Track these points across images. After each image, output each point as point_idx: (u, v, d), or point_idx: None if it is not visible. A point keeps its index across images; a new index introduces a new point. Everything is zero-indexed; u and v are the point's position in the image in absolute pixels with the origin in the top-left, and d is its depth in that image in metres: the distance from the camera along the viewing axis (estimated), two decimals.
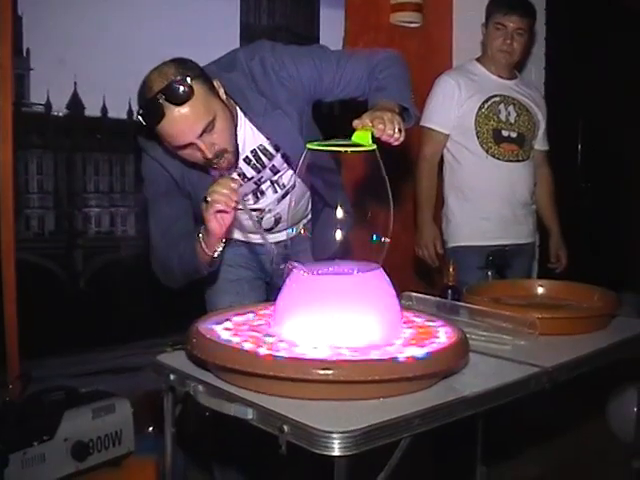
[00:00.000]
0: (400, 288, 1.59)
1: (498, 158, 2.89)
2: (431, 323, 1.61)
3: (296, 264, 1.53)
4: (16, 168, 2.61)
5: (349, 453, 1.16)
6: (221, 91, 1.80)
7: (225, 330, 1.52)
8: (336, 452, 1.16)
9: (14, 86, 2.58)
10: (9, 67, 2.55)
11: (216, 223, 1.71)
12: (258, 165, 1.98)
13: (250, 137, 1.93)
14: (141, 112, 1.71)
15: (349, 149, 1.53)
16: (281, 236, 2.20)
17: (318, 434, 1.16)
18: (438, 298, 1.95)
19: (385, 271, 1.56)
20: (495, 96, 2.91)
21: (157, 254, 1.95)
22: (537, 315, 1.73)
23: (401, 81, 1.91)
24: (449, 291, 2.07)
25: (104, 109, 2.78)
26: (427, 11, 3.67)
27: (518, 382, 1.47)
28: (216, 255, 1.82)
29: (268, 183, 2.05)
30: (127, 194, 2.87)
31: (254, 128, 1.92)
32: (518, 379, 1.47)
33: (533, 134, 2.98)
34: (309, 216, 2.20)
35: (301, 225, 2.22)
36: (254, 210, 2.07)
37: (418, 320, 1.64)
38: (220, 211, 1.68)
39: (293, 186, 2.07)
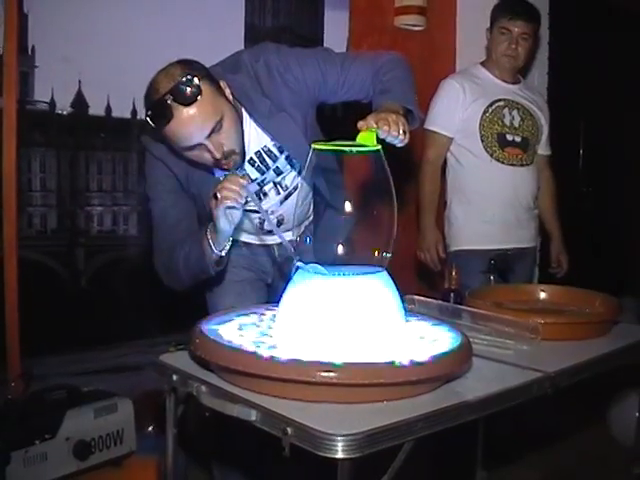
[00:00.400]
0: (402, 291, 1.59)
1: (502, 162, 2.89)
2: (434, 327, 1.61)
3: (301, 266, 1.53)
4: (19, 166, 2.61)
5: (353, 456, 1.16)
6: (227, 91, 1.80)
7: (228, 331, 1.52)
8: (340, 455, 1.16)
9: (19, 84, 2.59)
10: (14, 65, 2.56)
11: (225, 220, 1.70)
12: (262, 167, 1.98)
13: (254, 138, 1.94)
14: (149, 114, 1.71)
15: (354, 149, 1.53)
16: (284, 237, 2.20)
17: (322, 436, 1.17)
18: (441, 302, 1.95)
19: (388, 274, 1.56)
20: (499, 100, 2.92)
21: (161, 255, 1.95)
22: (540, 320, 1.73)
23: (405, 83, 1.92)
24: (451, 295, 2.07)
25: (108, 108, 2.78)
26: (431, 14, 3.67)
27: (521, 387, 1.47)
28: (224, 253, 1.82)
29: (271, 184, 2.05)
30: (130, 193, 2.87)
31: (258, 129, 1.93)
32: (521, 384, 1.47)
33: (537, 139, 2.98)
34: (311, 218, 2.20)
35: (303, 227, 2.22)
36: (257, 211, 2.07)
37: (421, 323, 1.64)
38: (229, 207, 1.68)
39: (296, 188, 2.07)
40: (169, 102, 1.65)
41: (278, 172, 2.02)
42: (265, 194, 2.06)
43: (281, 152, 1.98)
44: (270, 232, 2.15)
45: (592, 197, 4.73)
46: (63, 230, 2.73)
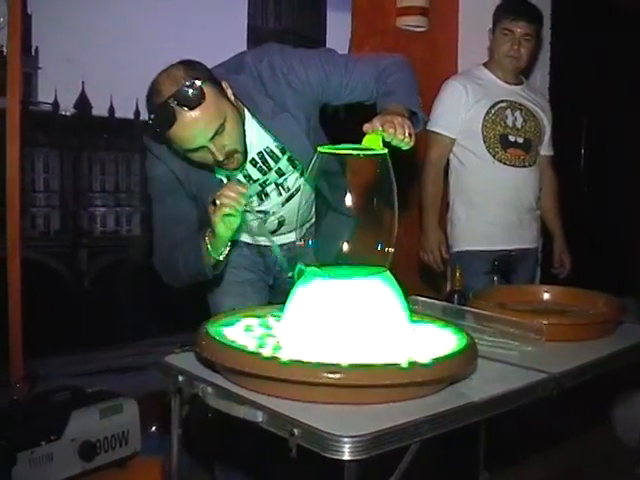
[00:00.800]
0: (405, 292, 1.60)
1: (505, 163, 2.89)
2: (439, 328, 1.62)
3: (305, 268, 1.53)
4: (22, 166, 2.61)
5: (360, 457, 1.16)
6: (229, 92, 1.80)
7: (234, 332, 1.53)
8: (347, 456, 1.16)
9: (22, 84, 2.59)
10: (17, 65, 2.56)
11: (223, 226, 1.71)
12: (264, 167, 1.99)
13: (257, 139, 1.94)
14: (152, 117, 1.71)
15: (361, 153, 1.53)
16: (284, 239, 2.20)
17: (329, 438, 1.17)
18: (444, 302, 1.95)
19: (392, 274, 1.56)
20: (502, 101, 2.92)
21: (160, 254, 1.96)
22: (544, 321, 1.74)
23: (409, 86, 1.92)
24: (455, 296, 2.07)
25: (111, 109, 2.79)
26: (433, 15, 3.67)
27: (526, 388, 1.47)
28: (222, 258, 1.82)
29: (273, 185, 2.05)
30: (133, 194, 2.87)
31: (261, 130, 1.93)
32: (526, 385, 1.48)
33: (539, 139, 2.98)
34: (312, 220, 2.20)
35: (304, 229, 2.22)
36: (258, 212, 2.08)
37: (426, 324, 1.64)
38: (228, 214, 1.68)
39: (298, 189, 2.07)
40: (172, 105, 1.65)
41: (280, 173, 2.02)
42: (267, 195, 2.06)
43: (283, 153, 1.98)
44: (272, 232, 2.15)
45: (592, 197, 4.73)
46: (66, 231, 2.73)
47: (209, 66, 1.80)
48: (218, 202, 1.68)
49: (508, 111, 2.92)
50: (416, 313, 1.73)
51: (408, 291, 1.63)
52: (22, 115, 2.58)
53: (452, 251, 2.97)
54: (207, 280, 1.98)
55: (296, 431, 1.22)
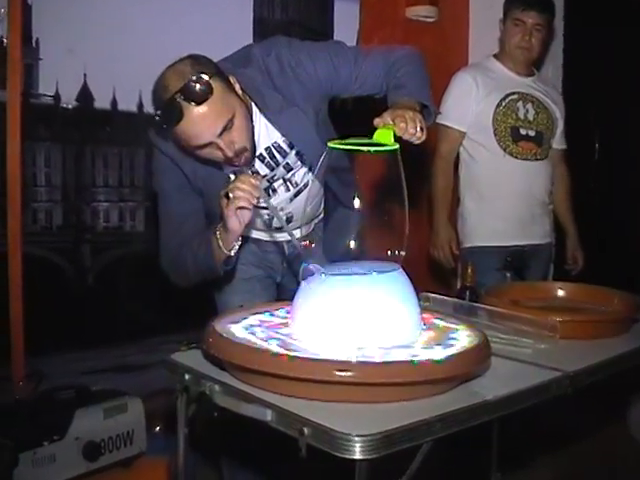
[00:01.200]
0: (415, 289, 1.59)
1: (516, 157, 2.89)
2: (452, 325, 1.62)
3: (314, 265, 1.53)
4: (24, 160, 2.62)
5: (371, 457, 1.16)
6: (237, 86, 1.80)
7: (242, 329, 1.53)
8: (357, 456, 1.16)
9: (23, 76, 2.59)
10: (18, 57, 2.56)
11: (236, 220, 1.70)
12: (272, 163, 1.98)
13: (264, 134, 1.94)
14: (159, 113, 1.71)
15: (372, 148, 1.53)
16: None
17: (340, 437, 1.17)
18: (456, 299, 1.95)
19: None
20: (513, 93, 2.92)
21: (168, 252, 1.95)
22: (558, 318, 1.73)
23: (420, 79, 1.92)
24: (467, 292, 2.07)
25: (114, 101, 2.79)
26: (443, 5, 3.68)
27: (540, 386, 1.47)
28: (232, 253, 1.82)
29: (281, 181, 2.05)
30: (137, 188, 2.88)
31: (269, 125, 1.93)
32: (540, 383, 1.47)
33: (551, 132, 2.98)
34: (321, 216, 2.20)
35: (313, 225, 2.22)
36: (266, 208, 2.08)
37: (438, 321, 1.64)
38: (241, 207, 1.68)
39: (306, 185, 2.07)
40: (179, 101, 1.65)
41: (288, 168, 2.02)
42: (274, 190, 2.06)
43: (291, 148, 1.98)
44: (280, 229, 2.15)
45: (608, 192, 4.70)
46: (69, 226, 2.74)
47: (214, 59, 1.80)
48: (231, 195, 1.67)
49: (519, 103, 2.91)
50: (427, 310, 1.73)
51: (419, 288, 1.63)
52: (23, 108, 2.59)
53: (463, 247, 2.97)
54: (215, 278, 1.98)
55: (306, 430, 1.21)
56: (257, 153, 1.93)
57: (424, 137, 1.67)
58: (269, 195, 2.06)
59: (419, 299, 1.58)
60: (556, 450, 2.96)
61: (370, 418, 1.24)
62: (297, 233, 2.15)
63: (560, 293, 2.16)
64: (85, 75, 2.71)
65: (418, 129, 1.64)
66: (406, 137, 1.63)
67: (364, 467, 1.19)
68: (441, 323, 1.63)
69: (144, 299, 2.85)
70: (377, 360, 1.33)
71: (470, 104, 2.89)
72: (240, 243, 1.82)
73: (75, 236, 2.75)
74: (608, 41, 4.37)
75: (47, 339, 2.61)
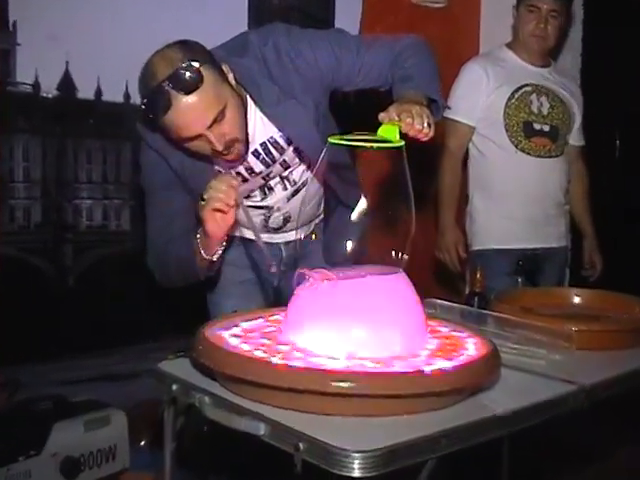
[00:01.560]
0: (420, 294, 1.60)
1: (528, 153, 2.89)
2: (458, 333, 1.62)
3: (307, 271, 1.52)
4: (0, 154, 2.61)
5: (370, 474, 1.16)
6: (230, 76, 1.80)
7: (234, 337, 1.53)
8: (356, 473, 1.15)
9: None
10: None
11: (214, 224, 1.71)
12: (268, 159, 1.99)
13: (260, 128, 1.94)
14: (145, 102, 1.71)
15: (375, 145, 1.53)
16: (290, 236, 2.21)
17: (337, 453, 1.16)
18: (464, 306, 1.95)
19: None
20: (526, 85, 2.92)
21: (154, 251, 1.97)
22: (574, 327, 1.73)
23: (428, 70, 1.92)
24: (475, 298, 2.07)
25: (98, 91, 2.79)
26: None
27: (554, 400, 1.47)
28: (215, 258, 1.83)
29: (277, 179, 2.06)
30: (122, 185, 2.88)
31: (265, 118, 1.93)
32: (554, 397, 1.47)
33: (568, 128, 2.98)
34: (321, 216, 2.21)
35: (312, 225, 2.22)
36: (261, 208, 2.08)
37: (444, 330, 1.65)
38: (218, 210, 1.68)
39: (305, 183, 2.07)
40: (167, 89, 1.65)
41: (285, 166, 2.03)
42: (271, 189, 2.07)
43: (289, 144, 1.98)
44: (277, 229, 2.15)
45: (622, 192, 4.70)
46: (49, 225, 2.74)
47: (207, 47, 1.79)
48: (206, 196, 1.68)
49: (533, 96, 2.92)
50: (433, 317, 1.73)
51: (424, 294, 1.63)
52: None
53: (471, 250, 2.98)
54: (207, 279, 1.99)
55: (301, 445, 1.21)
56: (252, 149, 1.93)
57: (432, 134, 1.67)
58: (265, 194, 2.06)
59: (423, 305, 1.58)
60: (571, 469, 2.96)
61: (370, 433, 1.24)
62: (295, 234, 2.16)
63: (576, 300, 2.16)
64: (67, 63, 2.71)
65: (425, 125, 1.64)
66: (412, 134, 1.63)
67: None
68: (447, 331, 1.64)
69: (130, 303, 2.85)
70: (379, 371, 1.33)
71: (480, 97, 2.90)
72: (224, 247, 1.82)
73: (55, 235, 2.75)
74: (632, 29, 4.36)
75: (24, 345, 2.60)
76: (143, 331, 2.82)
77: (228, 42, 1.95)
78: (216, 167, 1.93)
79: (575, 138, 3.07)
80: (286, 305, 1.59)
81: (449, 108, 2.57)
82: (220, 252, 1.83)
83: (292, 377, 1.28)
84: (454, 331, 1.64)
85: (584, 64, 3.92)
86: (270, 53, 1.87)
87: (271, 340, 1.52)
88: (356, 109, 2.23)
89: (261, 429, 1.29)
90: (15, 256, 2.67)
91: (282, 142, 1.97)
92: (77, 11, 2.69)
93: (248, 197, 1.72)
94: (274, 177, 2.05)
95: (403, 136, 1.59)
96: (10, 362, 2.57)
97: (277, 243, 2.22)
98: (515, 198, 2.91)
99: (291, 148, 1.99)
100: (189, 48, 1.72)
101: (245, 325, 1.63)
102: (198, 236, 1.79)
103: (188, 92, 1.66)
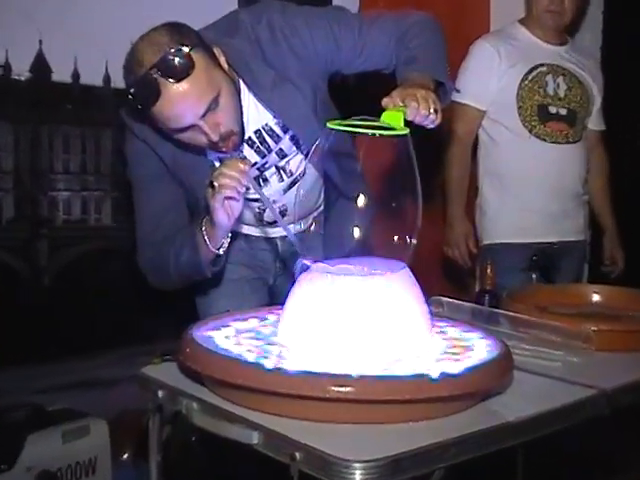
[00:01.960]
0: (427, 293, 1.60)
1: (543, 139, 2.90)
2: (467, 334, 1.63)
3: (308, 263, 1.53)
4: None
5: None
6: (222, 60, 1.81)
7: (225, 338, 1.53)
8: None
9: None
10: None
11: (224, 213, 1.71)
12: (263, 149, 1.99)
13: (254, 115, 1.94)
14: (132, 91, 1.70)
15: (378, 132, 1.53)
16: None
17: (338, 463, 1.17)
18: (473, 304, 1.96)
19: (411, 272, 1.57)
20: (541, 65, 2.93)
21: (147, 251, 1.97)
22: (593, 327, 1.74)
23: (436, 51, 1.92)
24: (486, 296, 2.09)
25: (75, 74, 2.78)
26: None
27: (571, 406, 1.47)
28: (222, 251, 1.83)
29: (273, 169, 2.06)
30: (103, 176, 2.88)
31: (259, 104, 1.93)
32: (571, 402, 1.48)
33: (586, 111, 2.99)
34: (321, 208, 2.21)
35: (311, 219, 2.23)
36: (255, 200, 2.08)
37: (451, 330, 1.65)
38: (228, 198, 1.69)
39: (302, 174, 2.08)
40: (156, 77, 1.65)
41: (281, 155, 2.03)
42: (266, 180, 2.07)
43: (285, 131, 1.99)
44: (273, 223, 2.16)
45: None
46: (22, 219, 2.74)
47: (195, 28, 1.79)
48: (216, 183, 1.68)
49: (549, 77, 2.93)
50: (440, 316, 1.74)
51: (431, 291, 1.64)
52: None
53: (482, 244, 2.99)
54: (201, 280, 1.99)
55: (298, 455, 1.22)
56: (246, 137, 1.94)
57: (439, 120, 1.67)
58: (260, 186, 2.06)
59: (429, 304, 1.59)
60: (594, 477, 2.97)
61: (373, 441, 1.24)
62: (292, 228, 2.16)
63: (596, 298, 2.17)
64: (41, 42, 2.70)
65: (432, 111, 1.64)
66: (418, 120, 1.63)
67: None
68: (455, 332, 1.64)
69: (111, 304, 2.85)
70: (381, 374, 1.34)
71: (491, 78, 2.91)
72: (229, 240, 1.83)
73: (30, 231, 2.75)
74: None
75: None
76: (127, 334, 2.82)
77: (217, 22, 1.95)
78: (209, 157, 1.94)
79: (595, 122, 3.08)
80: (282, 304, 1.60)
81: (458, 91, 2.57)
82: (226, 245, 1.83)
83: (288, 382, 1.28)
84: (463, 331, 1.65)
85: (605, 41, 3.91)
86: (264, 32, 1.87)
87: (265, 341, 1.53)
88: (356, 94, 2.24)
89: (254, 437, 1.29)
90: None
91: (278, 130, 1.98)
92: None
93: (246, 191, 1.72)
94: (270, 168, 2.05)
95: (408, 123, 1.59)
96: None
97: (273, 238, 2.23)
98: (529, 188, 2.92)
99: (287, 136, 2.00)
100: (177, 31, 1.71)
101: (237, 325, 1.63)
102: (203, 227, 1.80)
103: (178, 79, 1.66)
